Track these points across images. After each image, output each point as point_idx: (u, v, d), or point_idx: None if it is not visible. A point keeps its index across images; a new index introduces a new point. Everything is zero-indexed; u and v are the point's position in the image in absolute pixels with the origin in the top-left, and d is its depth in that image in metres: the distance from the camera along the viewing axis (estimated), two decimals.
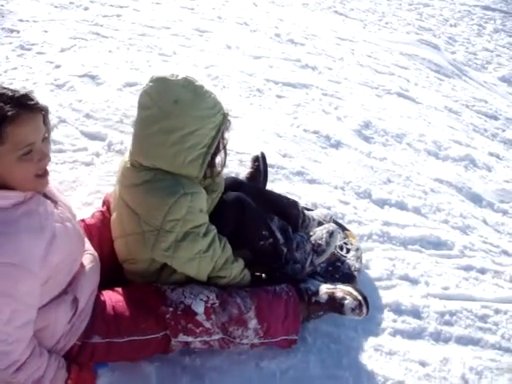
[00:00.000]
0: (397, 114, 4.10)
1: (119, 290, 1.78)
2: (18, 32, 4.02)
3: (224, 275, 1.88)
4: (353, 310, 1.97)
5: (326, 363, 2.02)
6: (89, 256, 1.70)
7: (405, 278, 2.49)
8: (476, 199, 3.35)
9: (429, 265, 2.63)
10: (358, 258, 2.40)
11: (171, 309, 1.73)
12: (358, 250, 2.44)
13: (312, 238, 2.20)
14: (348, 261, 2.33)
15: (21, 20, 4.21)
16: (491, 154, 4.04)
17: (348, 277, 2.28)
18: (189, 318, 1.74)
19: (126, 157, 1.82)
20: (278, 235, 2.03)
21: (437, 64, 5.66)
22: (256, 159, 2.57)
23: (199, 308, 1.75)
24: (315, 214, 2.40)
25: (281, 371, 1.96)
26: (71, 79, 3.41)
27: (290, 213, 2.25)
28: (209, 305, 1.77)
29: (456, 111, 4.65)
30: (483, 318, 2.41)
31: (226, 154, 1.85)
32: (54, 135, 2.86)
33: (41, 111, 1.36)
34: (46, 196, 1.49)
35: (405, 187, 3.19)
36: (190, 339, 1.75)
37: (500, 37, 7.96)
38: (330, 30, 5.53)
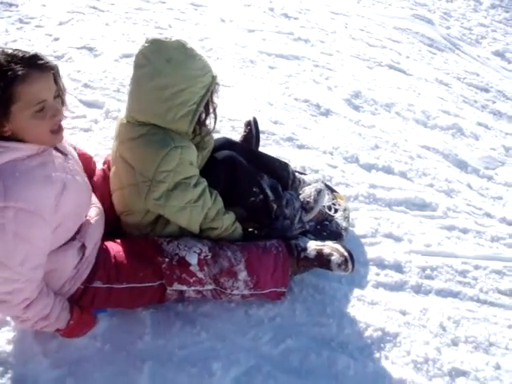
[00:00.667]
0: (387, 84, 4.18)
1: (119, 241, 1.90)
2: (17, 6, 4.09)
3: (216, 226, 1.99)
4: (339, 265, 2.06)
5: (311, 311, 2.15)
6: (95, 209, 1.82)
7: (389, 235, 2.61)
8: (462, 165, 3.46)
9: (412, 224, 2.74)
10: (346, 218, 2.51)
11: (167, 259, 1.85)
12: (345, 210, 2.55)
13: (301, 196, 2.32)
14: (336, 220, 2.44)
15: None
16: (479, 124, 4.14)
17: (335, 235, 2.38)
18: (183, 269, 1.86)
19: (123, 115, 1.94)
20: (269, 192, 2.13)
21: (430, 38, 5.71)
22: (248, 123, 2.67)
23: (193, 259, 1.87)
24: (306, 178, 2.52)
25: (268, 318, 2.08)
26: (69, 51, 3.50)
27: (280, 174, 2.36)
28: (202, 257, 1.89)
29: (446, 83, 4.72)
30: (463, 273, 2.53)
31: (216, 116, 1.96)
32: None
33: (51, 70, 1.45)
34: (57, 149, 1.60)
35: (392, 153, 3.29)
36: (184, 288, 1.88)
37: (497, 12, 7.95)
38: (324, 5, 5.58)
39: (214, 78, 1.86)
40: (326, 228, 2.37)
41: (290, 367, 1.95)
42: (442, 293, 2.41)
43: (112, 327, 1.94)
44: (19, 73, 1.37)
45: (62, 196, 1.52)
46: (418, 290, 2.39)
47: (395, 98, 3.96)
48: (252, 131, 2.62)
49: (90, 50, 3.58)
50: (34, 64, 1.41)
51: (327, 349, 2.03)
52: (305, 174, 2.58)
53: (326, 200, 2.48)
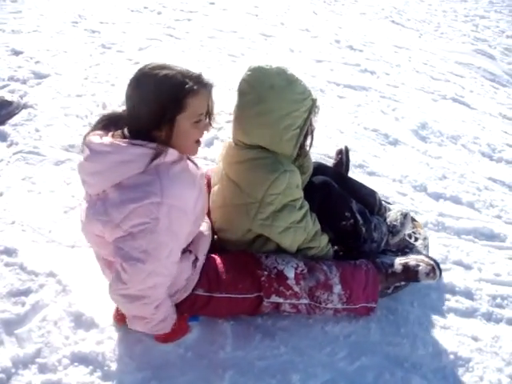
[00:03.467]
0: (452, 117, 4.25)
1: (219, 254, 2.02)
2: (100, 32, 4.39)
3: (313, 246, 2.10)
4: (427, 274, 2.16)
5: (385, 331, 2.20)
6: (205, 224, 1.99)
7: (459, 263, 2.65)
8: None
9: (482, 253, 2.77)
10: (426, 247, 2.56)
11: (266, 272, 1.97)
12: (425, 239, 2.61)
13: (387, 220, 2.42)
14: (416, 248, 2.50)
15: (101, 22, 4.60)
16: None
17: None
18: (281, 281, 1.97)
19: (229, 138, 2.08)
20: (358, 216, 2.23)
21: (492, 73, 5.76)
22: (340, 152, 2.80)
23: (290, 273, 1.98)
24: (391, 207, 2.60)
25: (344, 335, 2.15)
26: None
27: (368, 200, 2.45)
28: (298, 271, 1.99)
29: (510, 118, 4.75)
30: None
31: (312, 137, 2.09)
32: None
33: (211, 88, 1.64)
34: (189, 159, 1.77)
35: (459, 183, 3.34)
36: (280, 300, 1.98)
37: None
38: (387, 38, 5.71)
39: (314, 101, 1.98)
40: (406, 252, 2.43)
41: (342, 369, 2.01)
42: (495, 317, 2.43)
43: (194, 336, 2.04)
44: (194, 87, 1.56)
45: (198, 200, 1.69)
46: (488, 317, 2.42)
47: (460, 130, 4.02)
48: (343, 159, 2.76)
49: None
50: (202, 81, 1.60)
51: (401, 369, 2.08)
52: (390, 204, 2.66)
53: (410, 221, 2.55)
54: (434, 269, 2.17)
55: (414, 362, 2.12)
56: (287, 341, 2.08)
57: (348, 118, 3.68)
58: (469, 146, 3.85)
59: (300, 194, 2.01)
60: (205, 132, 1.70)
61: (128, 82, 1.61)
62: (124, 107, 1.67)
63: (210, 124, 1.70)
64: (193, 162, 1.79)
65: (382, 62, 4.95)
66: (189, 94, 1.55)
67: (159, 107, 1.53)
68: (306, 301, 2.00)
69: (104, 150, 1.55)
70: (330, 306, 2.04)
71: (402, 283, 2.25)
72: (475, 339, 2.28)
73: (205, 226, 1.96)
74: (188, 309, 1.92)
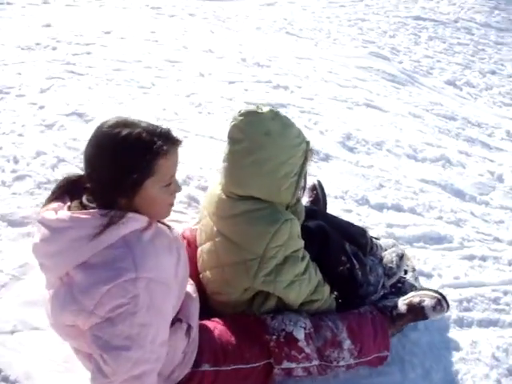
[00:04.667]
0: (370, 123, 4.33)
1: (219, 320, 1.84)
2: None
3: (317, 298, 1.95)
4: (434, 308, 2.10)
5: None
6: (191, 286, 1.76)
7: (420, 273, 2.65)
8: (459, 194, 3.59)
9: (436, 259, 2.81)
10: (416, 278, 2.51)
11: (274, 337, 1.80)
12: (414, 270, 2.55)
13: (383, 262, 2.33)
14: (407, 281, 2.43)
15: None
16: (460, 152, 4.32)
17: None
18: (292, 345, 1.81)
19: (215, 189, 1.90)
20: (354, 260, 2.13)
21: (390, 74, 5.97)
22: (313, 187, 2.67)
23: (300, 334, 1.82)
24: (382, 243, 2.52)
25: (332, 376, 2.01)
26: (59, 119, 3.43)
27: (359, 240, 2.34)
28: (307, 331, 1.85)
29: (419, 116, 4.93)
30: (496, 301, 2.61)
31: (306, 181, 1.96)
32: (57, 174, 2.88)
33: (180, 144, 1.45)
34: (159, 221, 1.56)
35: (397, 190, 3.39)
36: (293, 365, 1.81)
37: (435, 44, 8.41)
38: (288, 50, 5.75)
39: (308, 143, 1.85)
40: (401, 291, 2.35)
41: None
42: (483, 323, 2.47)
43: None
44: (164, 147, 1.37)
45: (178, 266, 1.50)
46: (460, 323, 2.44)
47: (382, 135, 4.10)
48: (318, 195, 2.63)
49: (80, 115, 3.52)
50: (171, 139, 1.41)
51: None
52: (378, 239, 2.58)
53: (406, 262, 2.48)
54: (440, 301, 2.12)
55: None
56: None
57: None
58: (394, 151, 3.93)
59: (302, 243, 1.87)
60: (176, 194, 1.52)
61: (87, 141, 1.41)
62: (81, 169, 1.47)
63: (180, 186, 1.52)
64: (164, 224, 1.59)
65: (290, 75, 4.96)
66: (158, 156, 1.37)
67: (124, 173, 1.35)
68: (316, 362, 1.85)
69: (62, 226, 1.34)
70: (342, 363, 1.91)
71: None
72: (456, 349, 2.29)
73: (190, 288, 1.75)
74: None
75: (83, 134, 3.30)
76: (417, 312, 2.11)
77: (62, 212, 1.38)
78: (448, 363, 2.21)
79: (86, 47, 4.62)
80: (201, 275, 1.97)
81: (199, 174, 3.02)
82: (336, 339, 1.89)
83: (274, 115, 1.77)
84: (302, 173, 1.84)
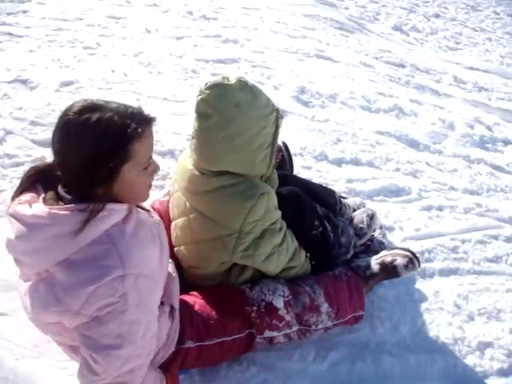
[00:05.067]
0: (323, 75, 4.28)
1: (196, 294, 1.81)
2: None
3: (294, 265, 1.94)
4: (406, 266, 2.14)
5: None
6: (170, 265, 1.70)
7: (382, 226, 2.71)
8: (414, 144, 3.64)
9: (397, 211, 2.86)
10: (384, 235, 2.55)
11: (255, 307, 1.79)
12: (381, 227, 2.59)
13: (354, 222, 2.33)
14: (376, 238, 2.47)
15: None
16: (412, 101, 4.36)
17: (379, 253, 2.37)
18: (272, 314, 1.81)
19: (186, 164, 1.82)
20: (326, 223, 2.11)
21: (338, 21, 5.90)
22: (279, 149, 2.59)
23: (280, 303, 1.82)
24: (350, 202, 2.52)
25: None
26: (1, 86, 3.23)
27: (328, 201, 2.34)
28: (286, 299, 1.85)
29: (370, 65, 4.92)
30: (454, 250, 2.70)
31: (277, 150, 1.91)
32: (6, 148, 2.74)
33: (153, 123, 1.36)
34: (138, 207, 1.48)
35: (354, 144, 3.40)
36: (274, 334, 1.82)
37: None
38: (234, 1, 5.56)
39: (278, 111, 1.78)
40: (371, 249, 2.39)
41: (342, 379, 1.98)
42: (443, 272, 2.55)
43: None
44: (138, 130, 1.28)
45: (162, 255, 1.44)
46: (423, 274, 2.51)
47: (335, 87, 4.08)
48: (285, 157, 2.57)
49: (24, 82, 3.32)
50: (144, 119, 1.32)
51: (368, 353, 2.08)
52: (345, 198, 2.57)
53: (377, 221, 2.49)
54: (412, 259, 2.16)
55: (377, 342, 2.13)
56: (254, 360, 1.96)
57: None
58: (348, 103, 3.92)
59: (278, 214, 1.84)
60: (155, 175, 1.44)
61: (52, 129, 1.29)
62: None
63: (158, 166, 1.43)
64: (143, 208, 1.51)
65: (238, 28, 4.82)
66: (133, 140, 1.27)
67: (99, 162, 1.25)
68: (296, 327, 1.87)
69: (40, 223, 1.24)
70: (320, 326, 1.93)
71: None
72: (421, 300, 2.37)
73: (170, 267, 1.68)
74: (180, 365, 1.69)
75: (30, 103, 3.13)
76: (389, 271, 2.16)
77: (37, 206, 1.29)
78: (414, 314, 2.28)
79: (22, 5, 4.31)
80: (175, 249, 1.93)
81: (155, 139, 2.90)
82: (314, 304, 1.90)
83: (243, 85, 1.69)
84: (274, 142, 1.79)
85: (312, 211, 2.09)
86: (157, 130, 2.96)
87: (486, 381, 2.09)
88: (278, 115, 1.79)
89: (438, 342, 2.18)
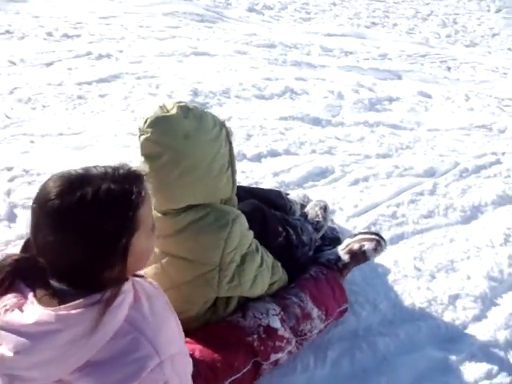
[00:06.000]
0: (207, 72, 4.20)
1: (191, 340, 1.66)
2: None
3: (276, 279, 1.89)
4: (375, 249, 2.16)
5: None
6: None
7: None
8: (317, 122, 3.70)
9: (330, 193, 2.89)
10: (332, 221, 2.54)
11: (255, 335, 1.71)
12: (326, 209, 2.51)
13: (309, 218, 2.28)
14: (322, 223, 2.39)
15: None
16: (297, 79, 4.43)
17: (335, 240, 2.38)
18: (273, 337, 1.74)
19: None
20: (287, 227, 2.06)
21: (197, 14, 5.83)
22: None
23: (276, 323, 1.76)
24: (296, 198, 2.47)
25: None
26: None
27: (279, 203, 2.29)
28: (280, 316, 1.78)
29: (244, 51, 4.92)
30: (394, 215, 2.80)
31: None
32: None
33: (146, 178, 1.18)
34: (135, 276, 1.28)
35: (265, 135, 3.37)
36: (279, 355, 1.76)
37: None
38: (89, 12, 5.25)
39: (224, 125, 1.67)
40: (325, 238, 2.36)
41: (348, 374, 1.96)
42: (393, 240, 2.62)
43: None
44: (142, 192, 1.11)
45: (177, 322, 1.28)
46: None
47: (224, 82, 4.02)
48: None
49: None
50: (139, 178, 1.14)
51: (360, 339, 2.08)
52: (288, 194, 2.51)
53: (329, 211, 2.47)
54: (379, 241, 2.17)
55: (364, 326, 2.14)
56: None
57: (127, 116, 3.33)
58: (242, 95, 3.89)
59: (252, 234, 1.75)
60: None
61: (29, 219, 1.08)
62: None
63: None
64: (138, 276, 1.31)
65: (105, 40, 4.53)
66: (139, 206, 1.11)
67: (108, 244, 1.07)
68: (294, 340, 1.82)
69: (48, 331, 1.03)
70: (315, 331, 1.90)
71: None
72: (385, 274, 2.43)
73: None
74: None
75: None
76: (359, 257, 2.17)
77: (33, 310, 1.07)
78: (385, 289, 2.33)
79: None
80: None
81: None
82: (305, 312, 1.87)
83: (185, 112, 1.56)
84: (233, 161, 1.71)
85: (274, 219, 2.05)
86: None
87: (467, 331, 2.19)
88: (226, 130, 1.70)
89: (415, 309, 2.25)
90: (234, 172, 1.72)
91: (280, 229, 2.03)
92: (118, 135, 3.03)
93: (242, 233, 1.67)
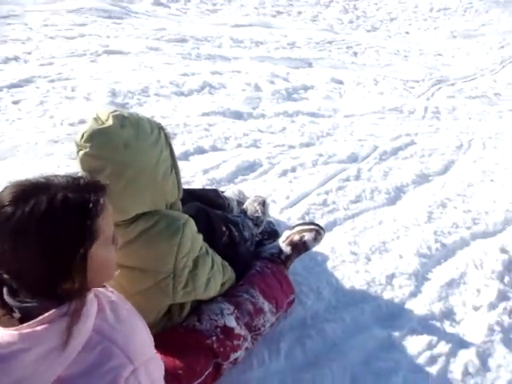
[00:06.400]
0: (123, 71, 4.10)
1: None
2: None
3: (226, 279, 1.89)
4: (315, 239, 2.21)
5: None
6: None
7: None
8: (239, 115, 3.74)
9: (261, 186, 2.94)
10: (268, 215, 2.52)
11: (214, 337, 1.70)
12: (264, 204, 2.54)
13: (248, 214, 2.28)
14: (262, 218, 2.41)
15: None
16: (213, 73, 4.44)
17: (274, 234, 2.42)
18: (231, 336, 1.75)
19: None
20: (230, 225, 2.05)
21: (104, 10, 5.67)
22: None
23: (232, 322, 1.77)
24: (232, 195, 2.46)
25: None
26: None
27: (217, 202, 2.28)
28: (234, 315, 1.80)
29: (156, 47, 4.85)
30: (325, 203, 2.88)
31: None
32: None
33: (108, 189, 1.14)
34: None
35: (189, 133, 3.36)
36: (237, 354, 1.77)
37: None
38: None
39: (162, 127, 1.61)
40: (264, 232, 2.38)
41: (302, 363, 2.01)
42: (327, 227, 2.66)
43: None
44: (100, 201, 1.06)
45: (145, 325, 1.25)
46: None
47: (142, 81, 3.94)
48: None
49: None
50: (100, 188, 1.10)
51: (309, 328, 2.13)
52: (223, 192, 2.49)
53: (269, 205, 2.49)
54: (318, 231, 2.22)
55: (310, 315, 2.17)
56: None
57: (49, 122, 3.19)
58: (161, 93, 3.85)
59: (201, 237, 1.74)
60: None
61: None
62: None
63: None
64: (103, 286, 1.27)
65: (10, 42, 4.29)
66: (97, 215, 1.06)
67: (64, 254, 1.01)
68: (249, 336, 1.84)
69: (14, 351, 0.97)
70: (267, 325, 1.93)
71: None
72: (324, 261, 2.49)
73: None
74: None
75: None
76: (300, 248, 2.22)
77: None
78: (326, 276, 2.40)
79: None
80: None
81: None
82: (257, 307, 1.90)
83: (122, 121, 1.49)
84: (175, 163, 1.67)
85: (218, 219, 2.05)
86: None
87: (406, 306, 2.31)
88: (164, 132, 1.66)
89: (356, 292, 2.33)
90: (177, 174, 1.70)
91: (224, 228, 2.04)
92: (39, 143, 2.89)
93: (192, 236, 1.66)
